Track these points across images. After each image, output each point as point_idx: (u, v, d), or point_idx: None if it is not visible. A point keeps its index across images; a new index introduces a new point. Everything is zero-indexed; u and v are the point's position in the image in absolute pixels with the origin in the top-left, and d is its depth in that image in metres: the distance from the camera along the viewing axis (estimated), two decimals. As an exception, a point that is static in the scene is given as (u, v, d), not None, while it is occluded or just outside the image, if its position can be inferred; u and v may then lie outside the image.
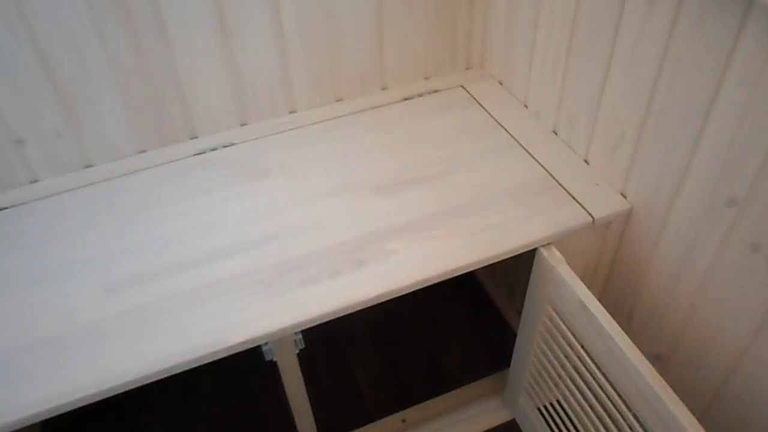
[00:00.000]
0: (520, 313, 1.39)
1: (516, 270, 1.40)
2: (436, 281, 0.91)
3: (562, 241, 0.99)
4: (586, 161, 1.10)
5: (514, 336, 1.16)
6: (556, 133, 1.17)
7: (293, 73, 1.20)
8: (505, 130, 1.18)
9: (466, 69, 1.36)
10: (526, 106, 1.24)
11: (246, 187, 1.08)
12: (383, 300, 0.89)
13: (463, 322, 1.47)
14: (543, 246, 0.97)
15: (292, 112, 1.25)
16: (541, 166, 1.09)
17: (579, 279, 0.93)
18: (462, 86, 1.31)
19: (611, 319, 0.87)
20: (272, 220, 1.01)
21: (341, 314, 0.88)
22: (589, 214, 0.99)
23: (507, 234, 0.96)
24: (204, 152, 1.17)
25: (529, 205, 1.01)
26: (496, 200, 1.02)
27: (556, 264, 0.95)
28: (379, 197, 1.04)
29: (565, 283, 0.93)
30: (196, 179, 1.11)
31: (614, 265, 1.10)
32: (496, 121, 1.21)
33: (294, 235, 0.98)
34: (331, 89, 1.25)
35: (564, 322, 0.97)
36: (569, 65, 1.06)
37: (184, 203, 1.06)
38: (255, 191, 1.07)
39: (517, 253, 0.95)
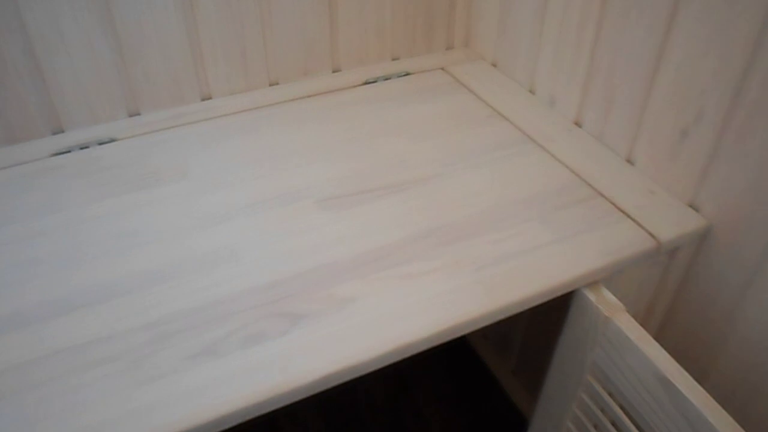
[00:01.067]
0: (516, 373, 1.03)
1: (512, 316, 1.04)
2: (417, 349, 0.54)
3: (614, 278, 0.63)
4: (629, 161, 0.76)
5: (510, 406, 0.80)
6: (579, 125, 0.82)
7: (204, 43, 0.83)
8: (508, 120, 0.84)
9: (447, 49, 1.02)
10: (532, 92, 0.90)
11: (124, 200, 0.71)
12: (331, 384, 0.52)
13: (443, 389, 1.10)
14: (587, 286, 0.62)
15: (205, 98, 0.88)
16: (567, 168, 0.75)
17: (652, 338, 0.57)
18: (443, 68, 0.97)
19: (717, 406, 0.52)
20: (157, 249, 0.63)
21: (259, 412, 0.50)
22: (651, 235, 0.65)
23: (531, 268, 0.60)
24: (69, 151, 0.79)
25: (557, 222, 0.66)
26: (508, 216, 0.67)
27: (612, 313, 0.59)
28: (327, 213, 0.67)
29: (629, 344, 0.57)
30: (50, 189, 0.73)
31: (674, 310, 0.75)
32: (493, 109, 0.86)
33: (189, 274, 0.60)
34: (261, 68, 0.89)
35: (623, 405, 0.61)
36: (603, 31, 0.73)
37: (23, 224, 0.67)
38: (137, 205, 0.70)
39: (548, 297, 0.60)
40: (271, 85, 0.92)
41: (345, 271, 0.60)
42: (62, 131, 0.83)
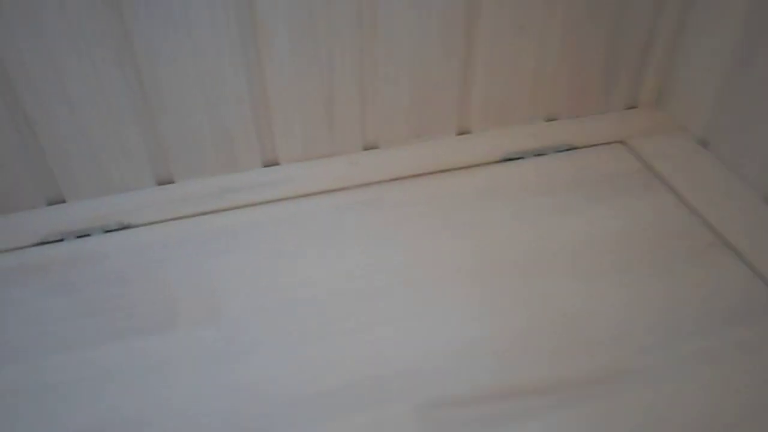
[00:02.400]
0: None
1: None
2: None
3: None
4: None
5: None
6: None
7: (272, 83, 0.55)
8: (744, 259, 0.50)
9: (627, 108, 0.69)
10: (776, 202, 0.56)
11: (115, 351, 0.44)
12: None
13: None
14: None
15: (269, 164, 0.60)
16: None
17: None
18: (622, 142, 0.64)
19: None
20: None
21: None
22: None
23: None
24: (63, 239, 0.53)
25: None
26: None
27: None
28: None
29: None
30: (15, 309, 0.47)
31: None
32: (716, 233, 0.53)
33: None
34: (353, 123, 0.60)
35: None
36: None
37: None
38: (133, 365, 0.43)
39: None
40: (366, 149, 0.62)
41: None
42: (63, 201, 0.57)
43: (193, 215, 0.55)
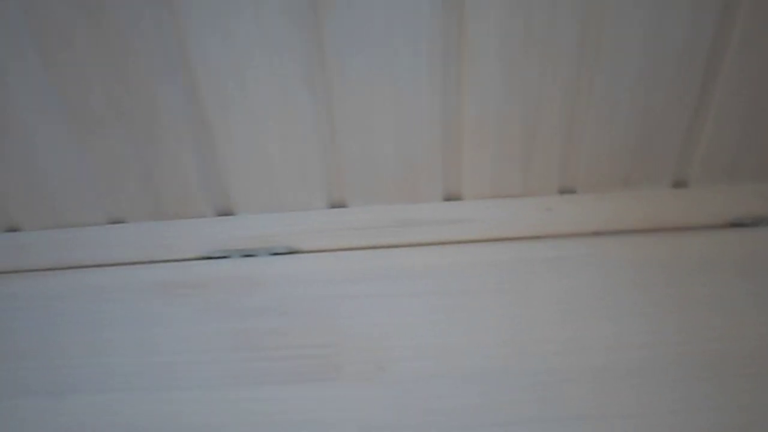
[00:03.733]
0: None
1: None
2: None
3: None
4: None
5: None
6: None
7: (469, 106, 0.49)
8: None
9: None
10: None
11: (269, 392, 0.40)
12: None
13: None
14: None
15: (450, 198, 0.54)
16: None
17: None
18: None
19: None
20: None
21: None
22: None
23: None
24: (228, 256, 0.50)
25: None
26: None
27: None
28: None
29: None
30: (164, 327, 0.44)
31: None
32: None
33: None
34: (554, 161, 0.52)
35: None
36: None
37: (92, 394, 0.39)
38: (293, 418, 0.38)
39: None
40: (562, 192, 0.54)
41: None
42: (232, 213, 0.54)
43: (365, 248, 0.50)
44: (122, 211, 0.54)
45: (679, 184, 0.54)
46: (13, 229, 0.56)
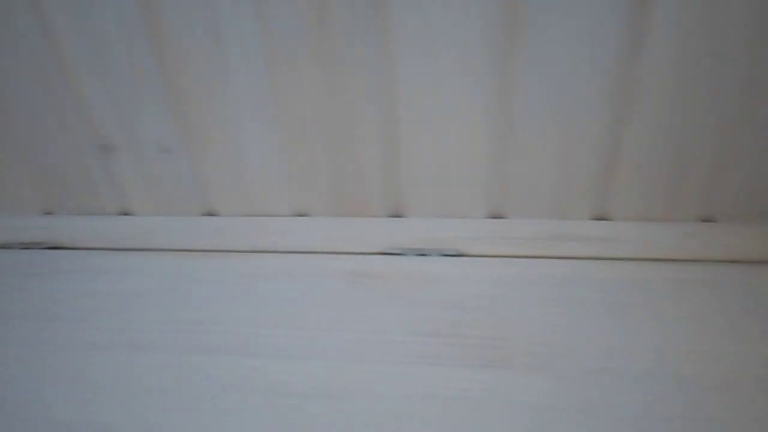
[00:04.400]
0: None
1: None
2: None
3: None
4: None
5: None
6: None
7: (637, 127, 0.55)
8: None
9: None
10: None
11: (449, 375, 0.47)
12: None
13: None
14: None
15: (598, 217, 0.60)
16: None
17: None
18: None
19: None
20: None
21: None
22: None
23: None
24: (403, 254, 0.57)
25: None
26: None
27: None
28: None
29: None
30: (339, 304, 0.52)
31: None
32: None
33: None
34: (700, 188, 0.57)
35: None
36: None
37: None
38: (473, 396, 0.45)
39: None
40: (703, 219, 0.59)
41: None
42: (401, 216, 0.62)
43: (523, 256, 0.57)
44: (308, 206, 0.62)
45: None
46: (210, 214, 0.65)
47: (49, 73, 0.57)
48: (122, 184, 0.64)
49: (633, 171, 0.56)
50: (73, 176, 0.64)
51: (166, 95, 0.57)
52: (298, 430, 0.44)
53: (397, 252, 0.58)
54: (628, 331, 0.49)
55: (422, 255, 0.57)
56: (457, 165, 0.57)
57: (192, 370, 0.49)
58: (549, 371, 0.47)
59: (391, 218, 0.62)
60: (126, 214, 0.67)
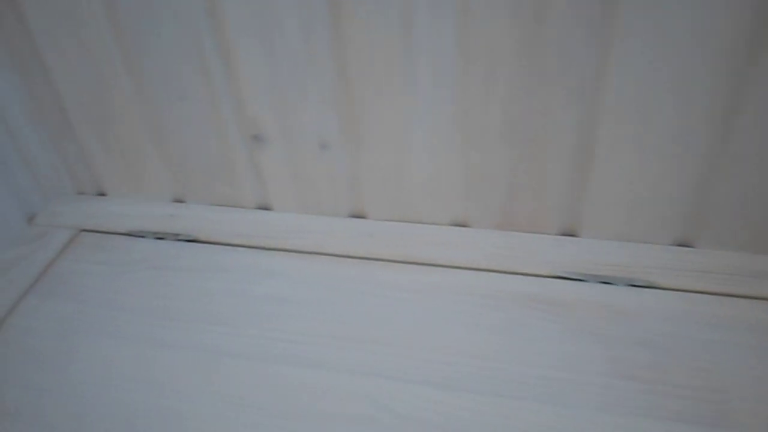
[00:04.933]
0: None
1: None
2: None
3: None
4: None
5: None
6: None
7: None
8: None
9: None
10: None
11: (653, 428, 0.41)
12: None
13: None
14: None
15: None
16: None
17: None
18: None
19: None
20: None
21: None
22: None
23: None
24: (584, 280, 0.52)
25: None
26: None
27: None
28: None
29: None
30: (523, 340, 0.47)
31: None
32: None
33: None
34: None
35: None
36: None
37: None
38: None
39: None
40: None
41: None
42: (575, 235, 0.56)
43: (721, 294, 0.51)
44: (469, 216, 0.57)
45: None
46: (359, 216, 0.60)
47: (207, 53, 0.52)
48: (266, 177, 0.59)
49: None
50: (212, 164, 0.59)
51: (333, 86, 0.52)
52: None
53: (577, 277, 0.52)
54: None
55: (606, 283, 0.52)
56: (652, 186, 0.51)
57: (358, 394, 0.45)
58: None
59: (563, 236, 0.56)
60: (264, 208, 0.62)
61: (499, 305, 0.51)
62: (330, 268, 0.56)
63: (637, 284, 0.51)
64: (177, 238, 0.60)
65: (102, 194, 0.66)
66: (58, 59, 0.56)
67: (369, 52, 0.49)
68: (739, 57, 0.43)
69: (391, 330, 0.49)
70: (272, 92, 0.53)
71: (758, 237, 0.53)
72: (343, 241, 0.58)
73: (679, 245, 0.54)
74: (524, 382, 0.45)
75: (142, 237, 0.60)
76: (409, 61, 0.49)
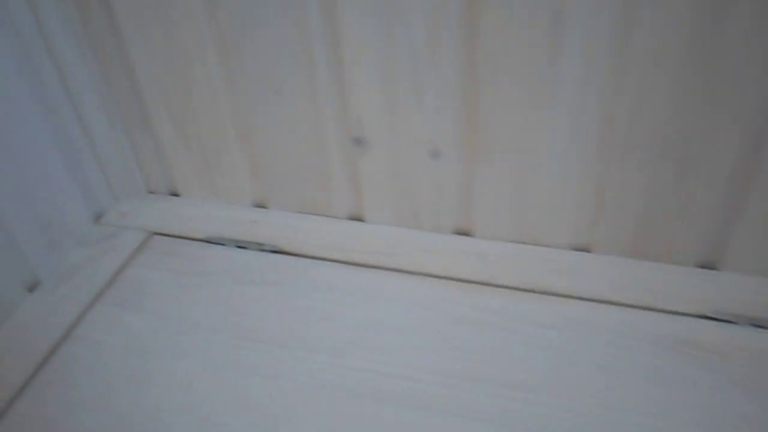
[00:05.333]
0: None
1: None
2: None
3: None
4: None
5: None
6: None
7: None
8: None
9: None
10: None
11: None
12: None
13: None
14: None
15: None
16: None
17: None
18: None
19: None
20: None
21: None
22: None
23: None
24: (728, 321, 0.45)
25: None
26: None
27: None
28: None
29: None
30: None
31: None
32: None
33: None
34: None
35: None
36: None
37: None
38: None
39: None
40: None
41: None
42: (714, 268, 0.49)
43: None
44: (592, 240, 0.51)
45: None
46: (464, 233, 0.54)
47: (312, 40, 0.46)
48: (363, 185, 0.53)
49: None
50: (303, 166, 0.53)
51: (455, 87, 0.45)
52: None
53: (726, 318, 0.45)
54: None
55: (760, 326, 0.45)
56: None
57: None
58: None
59: (702, 269, 0.49)
60: (356, 219, 0.56)
61: (641, 347, 0.44)
62: (436, 292, 0.49)
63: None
64: (261, 248, 0.53)
65: (174, 194, 0.60)
66: (141, 44, 0.50)
67: (506, 50, 0.43)
68: None
69: (517, 371, 0.43)
70: (383, 90, 0.47)
71: None
72: (449, 260, 0.52)
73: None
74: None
75: (221, 245, 0.54)
76: (554, 61, 0.42)
